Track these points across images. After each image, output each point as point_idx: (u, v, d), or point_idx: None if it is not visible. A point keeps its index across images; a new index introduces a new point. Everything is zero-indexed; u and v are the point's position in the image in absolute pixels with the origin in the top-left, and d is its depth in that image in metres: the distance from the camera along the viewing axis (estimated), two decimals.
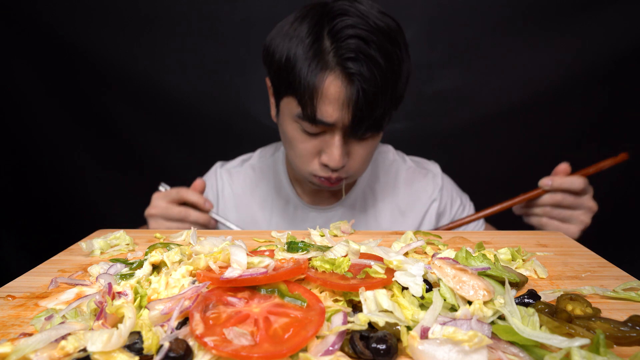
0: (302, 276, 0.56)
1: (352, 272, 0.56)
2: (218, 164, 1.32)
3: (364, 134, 0.95)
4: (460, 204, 1.26)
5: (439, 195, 1.23)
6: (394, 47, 0.90)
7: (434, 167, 1.29)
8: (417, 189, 1.24)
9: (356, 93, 0.87)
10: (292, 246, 0.65)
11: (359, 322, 0.46)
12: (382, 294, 0.49)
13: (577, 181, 0.98)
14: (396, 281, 0.53)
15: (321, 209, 1.20)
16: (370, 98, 0.88)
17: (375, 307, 0.49)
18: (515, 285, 0.59)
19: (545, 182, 1.00)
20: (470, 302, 0.49)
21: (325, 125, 0.92)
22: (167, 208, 1.02)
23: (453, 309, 0.50)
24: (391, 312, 0.47)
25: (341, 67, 0.88)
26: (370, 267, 0.55)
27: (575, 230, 1.01)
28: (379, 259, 0.59)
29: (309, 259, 0.59)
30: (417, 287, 0.51)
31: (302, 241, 0.68)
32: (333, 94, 0.89)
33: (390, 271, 0.55)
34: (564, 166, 1.03)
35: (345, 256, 0.61)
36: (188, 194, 1.03)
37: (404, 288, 0.53)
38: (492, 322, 0.47)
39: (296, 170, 1.07)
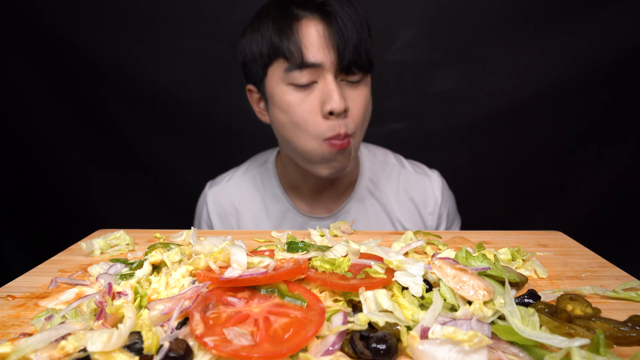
0: (302, 276, 0.56)
1: (352, 272, 0.56)
2: (207, 186, 1.29)
3: (352, 71, 0.98)
4: (445, 227, 1.23)
5: (435, 209, 1.21)
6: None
7: (434, 175, 1.26)
8: (416, 197, 1.21)
9: (333, 28, 0.95)
10: (292, 246, 0.65)
11: (359, 322, 0.46)
12: (382, 294, 0.49)
13: None
14: (396, 281, 0.53)
15: (321, 218, 1.19)
16: (346, 28, 0.95)
17: (375, 307, 0.49)
18: (515, 285, 0.59)
19: None
20: (470, 302, 0.49)
21: (314, 68, 0.96)
22: None
23: (453, 309, 0.50)
24: (391, 312, 0.47)
25: (312, 9, 0.97)
26: (370, 267, 0.55)
27: None
28: (379, 259, 0.59)
29: (309, 259, 0.59)
30: (417, 287, 0.51)
31: (302, 241, 0.68)
32: (312, 34, 0.95)
33: (390, 271, 0.55)
34: None
35: (345, 256, 0.61)
36: None
37: (404, 288, 0.53)
38: (492, 322, 0.47)
39: (303, 149, 1.02)
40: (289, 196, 1.20)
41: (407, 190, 1.22)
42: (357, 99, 1.01)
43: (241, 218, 1.22)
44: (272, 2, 1.02)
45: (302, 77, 0.96)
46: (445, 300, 0.49)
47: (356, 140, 1.03)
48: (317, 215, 1.19)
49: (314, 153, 1.01)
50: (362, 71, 1.00)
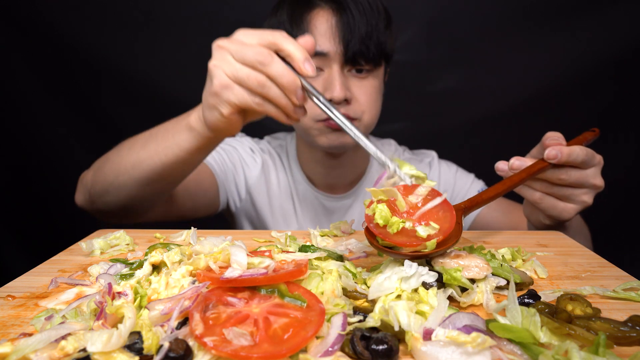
0: (303, 277, 0.56)
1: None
2: (238, 135, 1.33)
3: (359, 62, 1.00)
4: (471, 182, 1.30)
5: (437, 180, 1.28)
6: None
7: (430, 153, 1.35)
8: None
9: (342, 19, 0.97)
10: (304, 249, 0.65)
11: (373, 321, 0.46)
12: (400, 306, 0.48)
13: (583, 152, 0.80)
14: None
15: (337, 197, 1.24)
16: (355, 20, 0.97)
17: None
18: (518, 286, 0.59)
19: (552, 154, 0.80)
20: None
21: (321, 56, 0.99)
22: (240, 70, 0.70)
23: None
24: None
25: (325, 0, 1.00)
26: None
27: (571, 210, 0.83)
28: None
29: (309, 260, 0.59)
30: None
31: (311, 245, 0.68)
32: (323, 24, 0.99)
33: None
34: (557, 135, 0.85)
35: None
36: (286, 41, 0.69)
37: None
38: (490, 321, 0.47)
39: (301, 126, 1.08)
40: (307, 175, 1.26)
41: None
42: (364, 88, 1.04)
43: (270, 171, 1.26)
44: None
45: None
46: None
47: (362, 124, 1.07)
48: (334, 194, 1.25)
49: (310, 129, 1.07)
50: (369, 63, 1.02)
